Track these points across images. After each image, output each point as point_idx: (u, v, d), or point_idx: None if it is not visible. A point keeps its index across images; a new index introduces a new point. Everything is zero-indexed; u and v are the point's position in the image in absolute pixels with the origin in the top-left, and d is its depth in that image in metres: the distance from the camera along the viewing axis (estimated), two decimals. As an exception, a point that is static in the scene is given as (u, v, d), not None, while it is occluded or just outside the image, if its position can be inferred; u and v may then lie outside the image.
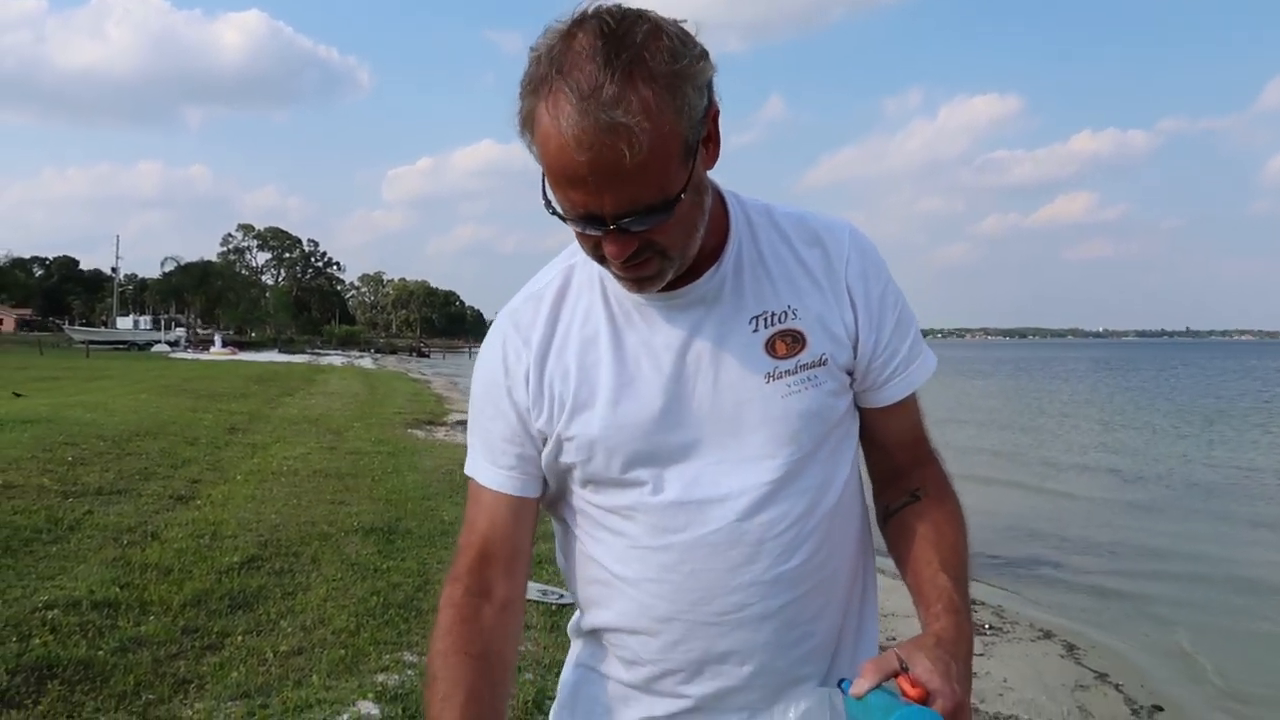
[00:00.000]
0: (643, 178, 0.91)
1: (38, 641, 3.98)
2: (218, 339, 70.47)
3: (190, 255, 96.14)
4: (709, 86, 0.95)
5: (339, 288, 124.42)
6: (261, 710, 3.49)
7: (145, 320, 76.80)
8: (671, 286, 1.07)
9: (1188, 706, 5.26)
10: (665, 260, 1.01)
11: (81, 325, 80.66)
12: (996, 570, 8.45)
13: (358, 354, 77.50)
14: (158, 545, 5.87)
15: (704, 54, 0.95)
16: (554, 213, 0.98)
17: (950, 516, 1.15)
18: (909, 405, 1.18)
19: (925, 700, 0.93)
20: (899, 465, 1.20)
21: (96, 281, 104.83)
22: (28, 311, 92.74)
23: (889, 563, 1.22)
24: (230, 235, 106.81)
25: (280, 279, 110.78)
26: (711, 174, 1.06)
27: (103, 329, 74.98)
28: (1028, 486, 13.82)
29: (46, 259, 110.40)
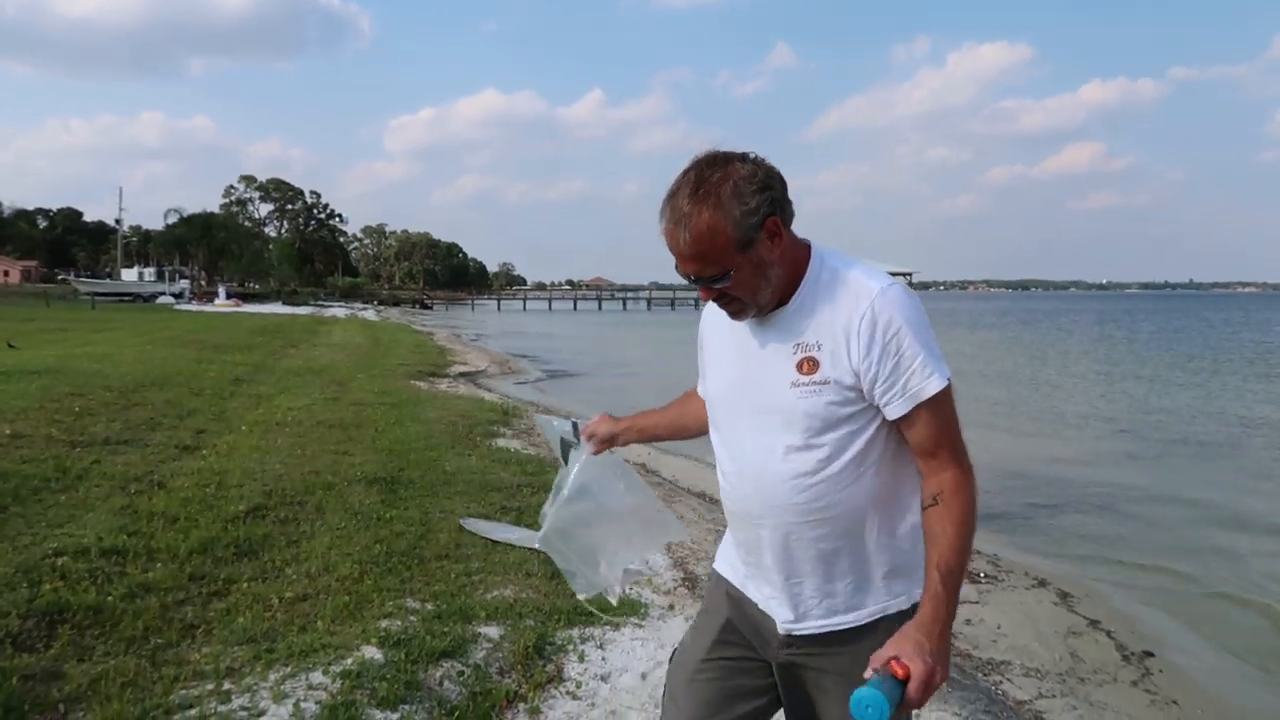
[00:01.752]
0: (705, 258, 1.59)
1: (48, 587, 4.06)
2: (221, 291, 70.29)
3: (193, 207, 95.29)
4: (764, 206, 1.58)
5: (341, 240, 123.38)
6: (267, 654, 3.57)
7: (150, 272, 76.41)
8: (762, 313, 1.69)
9: (1178, 653, 5.34)
10: (741, 303, 1.66)
11: (87, 277, 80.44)
12: (993, 520, 8.53)
13: (361, 306, 77.30)
14: (164, 494, 5.94)
15: (762, 188, 1.58)
16: (680, 273, 1.64)
17: (956, 521, 1.59)
18: (917, 419, 1.61)
19: (909, 674, 1.46)
20: (922, 461, 1.65)
21: (101, 233, 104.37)
22: (33, 263, 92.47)
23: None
24: (232, 187, 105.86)
25: (283, 231, 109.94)
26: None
27: (108, 281, 74.68)
28: (1026, 437, 13.87)
29: (50, 210, 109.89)
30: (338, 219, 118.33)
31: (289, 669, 3.45)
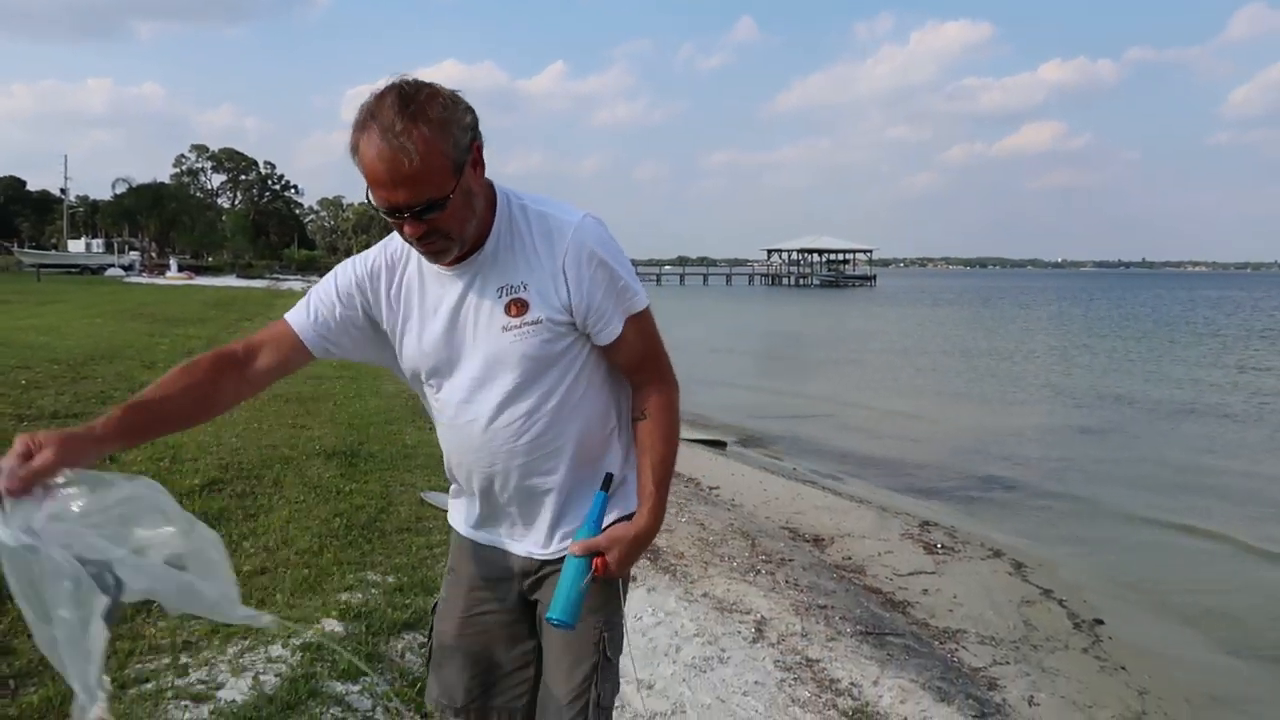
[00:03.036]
0: (422, 182, 1.43)
1: (-4, 562, 3.96)
2: (173, 263, 68.81)
3: (143, 177, 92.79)
4: (471, 129, 1.50)
5: (297, 212, 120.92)
6: (225, 627, 3.52)
7: (98, 243, 74.45)
8: (456, 260, 1.60)
9: (1127, 619, 5.48)
10: (448, 240, 1.53)
11: (31, 248, 78.30)
12: (950, 492, 8.67)
13: (318, 279, 76.04)
14: (116, 468, 5.82)
15: (468, 110, 1.50)
16: (374, 209, 1.49)
17: (663, 435, 1.70)
18: (624, 343, 1.67)
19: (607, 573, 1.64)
20: (633, 382, 1.74)
21: (45, 203, 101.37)
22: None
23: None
24: (184, 156, 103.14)
25: (237, 202, 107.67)
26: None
27: (54, 252, 72.69)
28: (986, 411, 14.10)
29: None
30: (293, 190, 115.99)
31: (247, 642, 3.41)
